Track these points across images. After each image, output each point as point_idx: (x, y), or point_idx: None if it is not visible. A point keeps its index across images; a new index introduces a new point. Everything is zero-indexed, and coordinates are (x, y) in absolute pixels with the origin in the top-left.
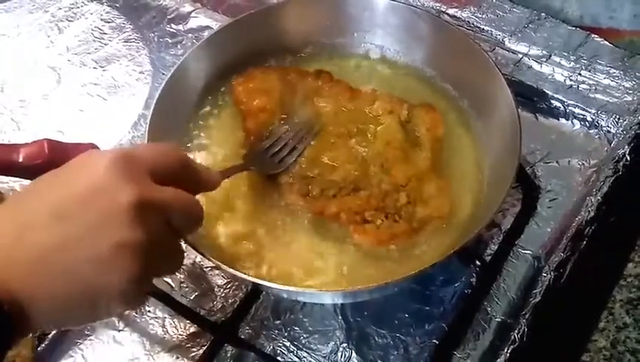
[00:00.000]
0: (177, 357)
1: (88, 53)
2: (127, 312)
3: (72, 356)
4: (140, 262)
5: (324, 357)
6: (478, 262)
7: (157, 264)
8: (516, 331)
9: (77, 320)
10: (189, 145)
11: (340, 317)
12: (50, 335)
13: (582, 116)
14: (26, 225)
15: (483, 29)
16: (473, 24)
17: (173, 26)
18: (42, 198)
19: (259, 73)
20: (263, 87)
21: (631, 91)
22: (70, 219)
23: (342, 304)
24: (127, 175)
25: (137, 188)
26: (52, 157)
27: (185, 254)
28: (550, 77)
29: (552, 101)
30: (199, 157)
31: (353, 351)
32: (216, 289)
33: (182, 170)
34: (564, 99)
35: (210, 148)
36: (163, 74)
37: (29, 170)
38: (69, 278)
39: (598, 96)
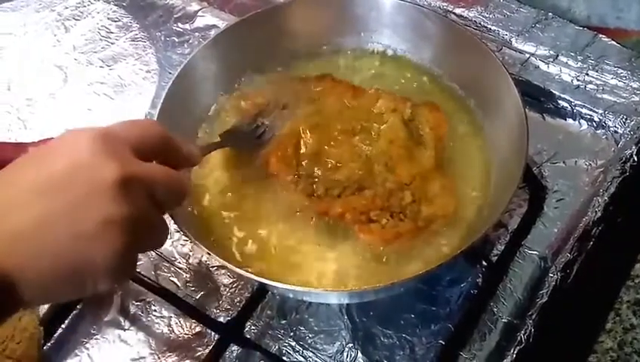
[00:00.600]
0: (183, 357)
1: (95, 52)
2: (132, 311)
3: (78, 355)
4: (126, 237)
5: (330, 357)
6: (484, 263)
7: (142, 239)
8: (522, 332)
9: (65, 294)
10: (194, 144)
11: (346, 317)
12: (56, 334)
13: (589, 116)
14: (6, 204)
15: (490, 28)
16: (480, 24)
17: (179, 25)
18: (23, 177)
19: (261, 82)
20: (264, 93)
21: (638, 91)
22: (52, 195)
23: (348, 304)
24: (110, 151)
25: (120, 163)
26: None
27: (191, 253)
28: (557, 77)
29: (560, 101)
30: (206, 158)
31: (359, 352)
32: (222, 289)
33: (163, 146)
34: (571, 100)
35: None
36: (170, 73)
37: None
38: (55, 254)
39: (605, 96)
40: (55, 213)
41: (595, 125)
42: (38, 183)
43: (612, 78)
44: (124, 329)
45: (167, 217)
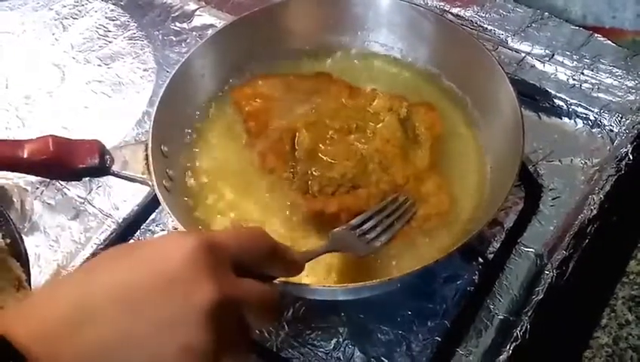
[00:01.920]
0: None
1: (93, 51)
2: None
3: None
4: None
5: (327, 354)
6: (480, 260)
7: None
8: (518, 328)
9: None
10: (192, 143)
11: (343, 314)
12: None
13: (585, 115)
14: (86, 314)
15: (486, 28)
16: (476, 23)
17: (177, 24)
18: (108, 280)
19: (258, 79)
20: (261, 90)
21: (634, 90)
22: (139, 312)
23: (344, 301)
24: (208, 268)
25: (217, 285)
26: (57, 153)
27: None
28: (553, 76)
29: (555, 100)
30: (202, 156)
31: (356, 348)
32: None
33: (268, 258)
34: (567, 98)
35: (213, 147)
36: (167, 71)
37: (34, 166)
38: None
39: (600, 95)
40: (137, 335)
41: (590, 124)
42: (125, 294)
43: (607, 77)
44: None
45: (165, 214)
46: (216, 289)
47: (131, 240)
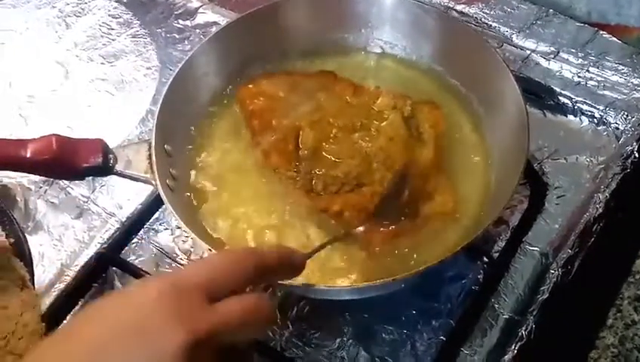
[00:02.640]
0: None
1: (96, 49)
2: None
3: None
4: None
5: (331, 354)
6: (485, 259)
7: None
8: (524, 328)
9: None
10: (196, 141)
11: (347, 314)
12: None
13: (590, 113)
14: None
15: (491, 25)
16: (481, 20)
17: (180, 21)
18: (84, 335)
19: (262, 77)
20: (265, 89)
21: (639, 88)
22: None
23: (349, 300)
24: (175, 311)
25: (186, 327)
26: (60, 152)
27: (192, 249)
28: (558, 73)
29: (560, 97)
30: (206, 154)
31: (360, 348)
32: None
33: (256, 276)
34: (572, 96)
35: (217, 145)
36: (170, 69)
37: (37, 166)
38: None
39: (606, 92)
40: None
41: (596, 121)
42: (98, 346)
43: (613, 75)
44: None
45: (168, 213)
46: (184, 331)
47: (135, 239)
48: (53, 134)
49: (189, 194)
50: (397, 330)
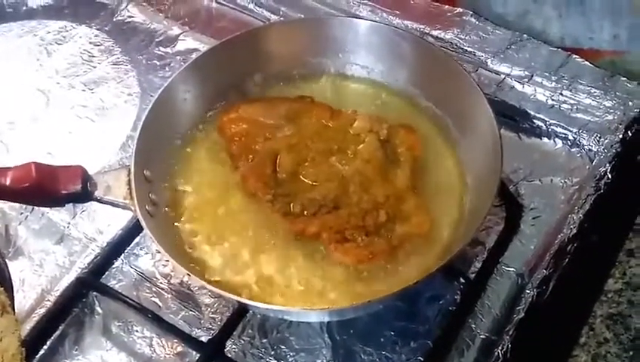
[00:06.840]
0: None
1: (77, 76)
2: (114, 331)
3: None
4: None
5: None
6: (462, 280)
7: None
8: (500, 347)
9: None
10: (175, 167)
11: (327, 335)
12: (38, 356)
13: (564, 135)
14: None
15: (466, 50)
16: (457, 45)
17: (161, 48)
18: None
19: (241, 103)
20: (244, 114)
21: (612, 110)
22: None
23: (328, 322)
24: None
25: None
26: (39, 180)
27: (172, 273)
28: (532, 97)
29: (535, 120)
30: (186, 180)
31: None
32: (203, 309)
33: None
34: (546, 119)
35: (197, 171)
36: (151, 96)
37: (17, 193)
38: None
39: (579, 115)
40: None
41: (569, 144)
42: None
43: (586, 98)
44: (106, 350)
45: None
46: None
47: (115, 264)
48: (33, 162)
49: (168, 219)
50: (376, 351)
